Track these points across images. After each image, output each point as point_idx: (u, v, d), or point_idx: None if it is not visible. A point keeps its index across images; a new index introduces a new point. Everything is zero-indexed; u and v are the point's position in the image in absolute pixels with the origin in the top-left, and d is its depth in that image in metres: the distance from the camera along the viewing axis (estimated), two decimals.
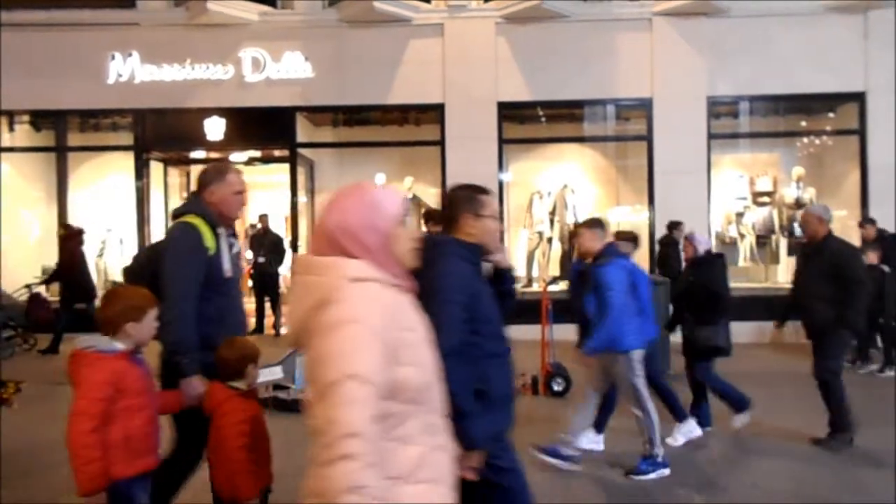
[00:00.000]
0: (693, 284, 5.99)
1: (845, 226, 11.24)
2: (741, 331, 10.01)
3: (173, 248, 3.33)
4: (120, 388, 2.82)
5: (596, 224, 5.28)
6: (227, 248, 3.46)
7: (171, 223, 3.56)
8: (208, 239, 3.36)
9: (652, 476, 4.89)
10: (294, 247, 11.57)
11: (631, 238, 6.09)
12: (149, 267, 3.42)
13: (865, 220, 9.59)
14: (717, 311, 5.81)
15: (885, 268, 8.46)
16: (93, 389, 2.78)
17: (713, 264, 6.00)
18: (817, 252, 5.68)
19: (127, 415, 2.85)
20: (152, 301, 3.00)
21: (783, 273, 11.97)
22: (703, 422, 5.89)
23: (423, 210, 10.72)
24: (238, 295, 3.60)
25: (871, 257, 8.50)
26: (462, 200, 2.86)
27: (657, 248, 10.18)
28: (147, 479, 3.01)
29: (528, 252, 11.94)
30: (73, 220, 11.83)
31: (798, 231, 11.39)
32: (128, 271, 3.63)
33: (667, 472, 4.93)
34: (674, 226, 9.90)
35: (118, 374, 2.84)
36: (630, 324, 4.94)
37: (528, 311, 9.47)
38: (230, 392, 3.19)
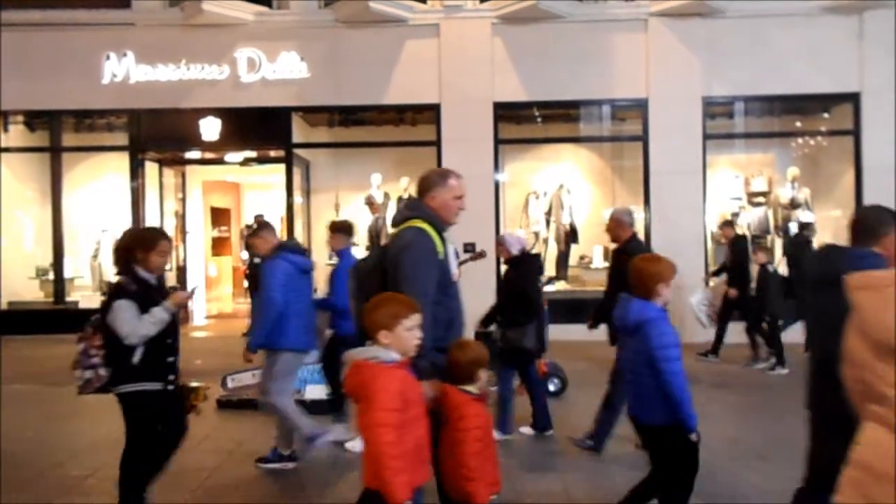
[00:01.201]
0: (506, 285, 6.13)
1: (839, 226, 11.27)
2: (740, 331, 10.06)
3: (411, 253, 3.30)
4: (406, 399, 2.78)
5: (263, 227, 5.59)
6: (453, 252, 3.52)
7: (393, 228, 3.58)
8: (438, 243, 3.39)
9: (276, 465, 5.17)
10: None
11: (343, 228, 6.11)
12: (378, 270, 3.42)
13: (725, 224, 9.84)
14: (526, 312, 5.81)
15: (771, 267, 8.81)
16: (388, 400, 2.71)
17: (524, 265, 6.01)
18: (620, 254, 5.69)
19: (414, 424, 2.81)
20: (408, 309, 2.91)
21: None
22: (540, 425, 5.93)
23: None
24: (461, 297, 3.63)
25: (760, 257, 8.72)
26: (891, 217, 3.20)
27: (785, 248, 10.30)
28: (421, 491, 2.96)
29: None
30: (68, 220, 11.82)
31: (793, 231, 11.42)
32: (358, 275, 3.58)
33: (291, 465, 5.19)
34: (805, 226, 10.14)
35: (404, 383, 2.80)
36: (289, 322, 5.06)
37: None
38: (465, 397, 3.12)
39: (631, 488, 3.78)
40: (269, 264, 5.15)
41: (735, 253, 9.16)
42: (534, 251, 6.94)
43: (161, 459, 4.13)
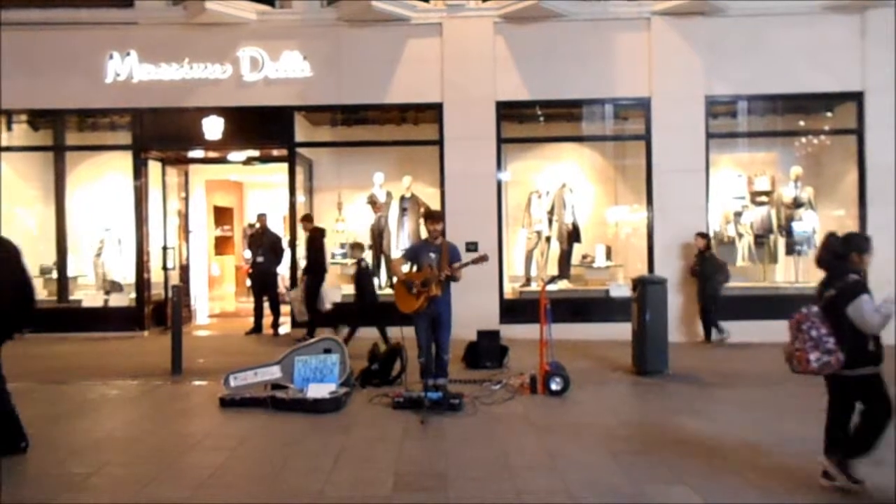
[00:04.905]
0: None
1: (843, 225, 11.26)
2: (740, 330, 10.06)
3: None
4: None
5: None
6: None
7: None
8: None
9: None
10: (293, 246, 11.56)
11: None
12: None
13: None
14: None
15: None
16: None
17: None
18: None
19: None
20: None
21: (781, 272, 11.99)
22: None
23: (421, 210, 10.74)
24: None
25: None
26: None
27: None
28: None
29: (527, 251, 11.94)
30: (72, 219, 11.84)
31: (796, 230, 11.40)
32: None
33: None
34: None
35: None
36: None
37: (527, 310, 9.51)
38: None
39: None
40: None
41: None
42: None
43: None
